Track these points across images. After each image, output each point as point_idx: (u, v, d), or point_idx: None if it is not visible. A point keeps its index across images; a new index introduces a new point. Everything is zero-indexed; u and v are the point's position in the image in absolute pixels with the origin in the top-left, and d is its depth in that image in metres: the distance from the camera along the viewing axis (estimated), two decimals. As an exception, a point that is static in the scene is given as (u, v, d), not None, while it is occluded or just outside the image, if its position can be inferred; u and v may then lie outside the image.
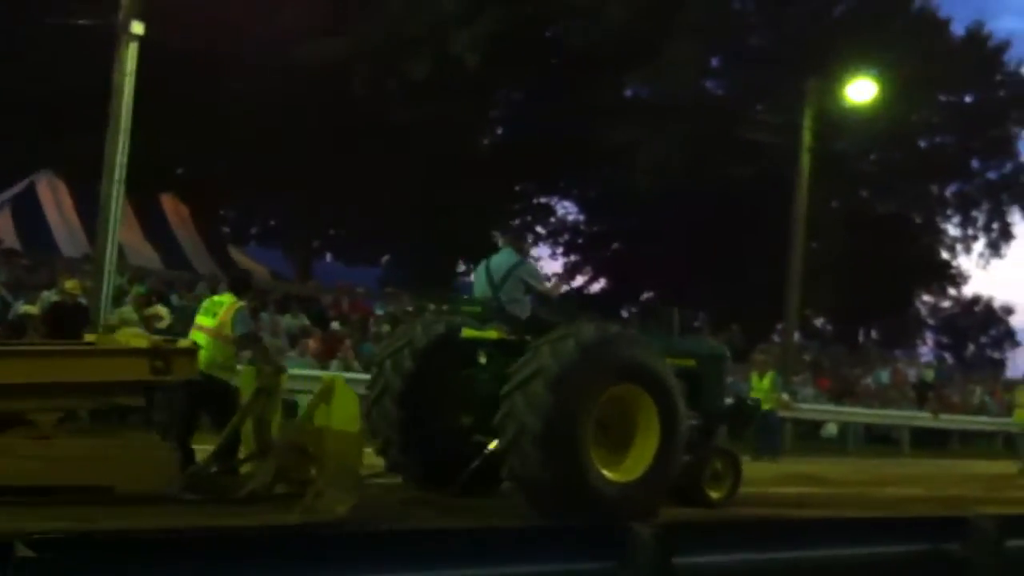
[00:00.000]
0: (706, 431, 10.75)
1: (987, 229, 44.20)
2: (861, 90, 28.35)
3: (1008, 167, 43.35)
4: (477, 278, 10.40)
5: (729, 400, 12.00)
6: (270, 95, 28.00)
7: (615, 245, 41.60)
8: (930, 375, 34.61)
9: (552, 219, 41.57)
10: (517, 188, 38.51)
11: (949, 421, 27.43)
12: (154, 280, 21.79)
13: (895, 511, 11.99)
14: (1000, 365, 55.11)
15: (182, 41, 23.07)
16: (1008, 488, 16.96)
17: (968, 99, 42.46)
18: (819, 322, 44.75)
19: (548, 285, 10.42)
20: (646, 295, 41.50)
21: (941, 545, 6.35)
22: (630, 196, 33.81)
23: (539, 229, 41.54)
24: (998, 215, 44.07)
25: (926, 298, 49.33)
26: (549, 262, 42.53)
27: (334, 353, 19.38)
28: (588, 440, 9.09)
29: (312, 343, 19.58)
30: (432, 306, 27.63)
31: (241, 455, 9.04)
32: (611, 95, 32.78)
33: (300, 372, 15.35)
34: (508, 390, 9.08)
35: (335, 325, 22.20)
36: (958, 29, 40.60)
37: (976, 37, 41.21)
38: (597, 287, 42.15)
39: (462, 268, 40.14)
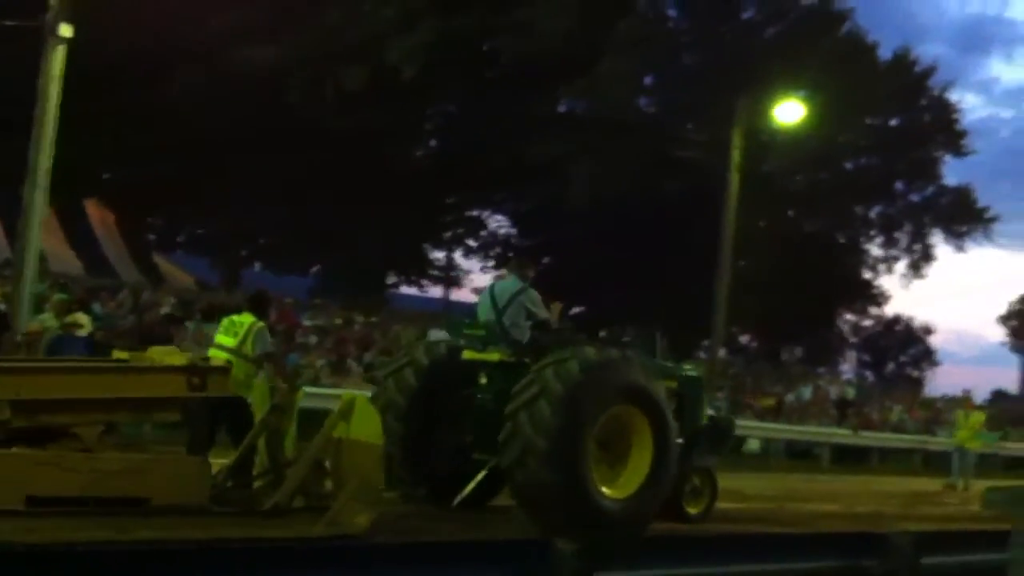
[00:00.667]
0: (686, 449, 11.02)
1: (909, 250, 45.16)
2: (789, 111, 28.85)
3: (930, 190, 44.36)
4: (482, 302, 10.76)
5: (706, 419, 12.40)
6: (202, 101, 27.64)
7: (546, 259, 41.70)
8: (851, 392, 35.19)
9: (484, 232, 41.55)
10: (449, 200, 38.44)
11: (868, 438, 27.93)
12: (76, 287, 21.36)
13: (814, 527, 12.14)
14: (919, 384, 56.33)
15: (111, 45, 22.68)
16: (925, 505, 17.29)
17: (893, 122, 43.40)
18: (744, 339, 45.33)
19: (548, 312, 10.75)
20: (576, 309, 41.67)
21: (859, 561, 6.46)
22: (562, 211, 33.95)
23: (470, 242, 41.49)
24: (920, 237, 45.04)
25: (848, 317, 50.24)
26: (479, 275, 42.53)
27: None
28: (589, 458, 9.52)
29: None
30: (361, 317, 27.52)
31: (255, 471, 9.25)
32: (546, 109, 32.95)
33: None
34: (514, 409, 9.45)
35: (261, 335, 21.90)
36: (885, 53, 41.52)
37: (902, 62, 42.15)
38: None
39: (393, 279, 39.98)
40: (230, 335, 10.08)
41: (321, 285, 36.65)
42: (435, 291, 42.64)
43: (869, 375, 55.84)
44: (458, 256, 42.19)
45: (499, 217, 41.30)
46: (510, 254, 42.28)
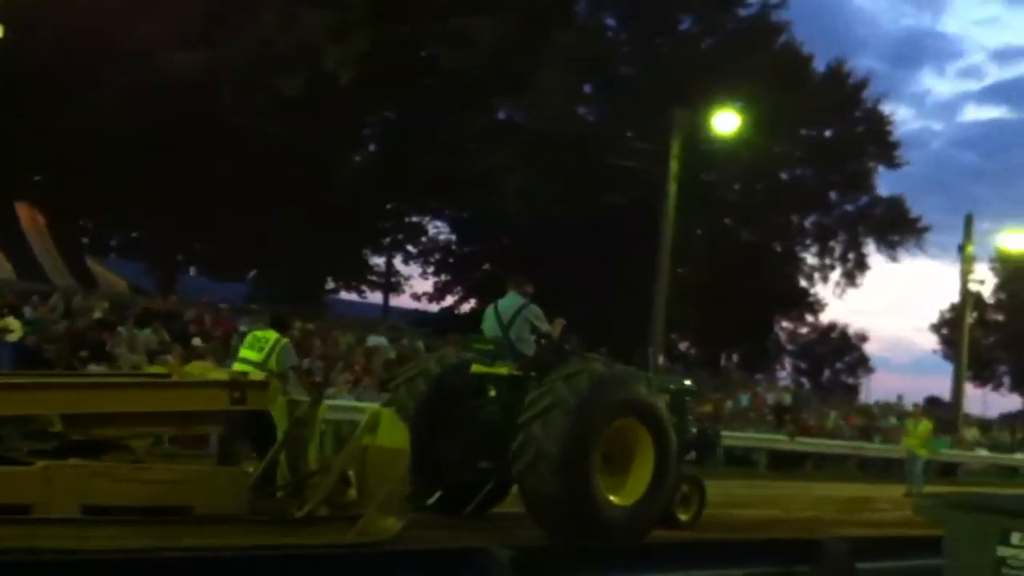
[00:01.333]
0: (677, 458, 11.36)
1: (843, 259, 45.87)
2: (726, 122, 29.14)
3: (864, 200, 45.11)
4: (487, 318, 11.17)
5: (694, 429, 12.93)
6: (136, 105, 27.21)
7: (486, 266, 41.71)
8: (788, 399, 35.58)
9: (423, 239, 41.44)
10: (388, 206, 38.28)
11: (805, 444, 28.24)
12: (6, 292, 20.89)
13: (752, 533, 12.24)
14: (854, 390, 57.20)
15: (42, 47, 22.26)
16: (861, 510, 17.50)
17: (828, 134, 44.08)
18: (684, 346, 45.69)
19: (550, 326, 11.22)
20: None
21: (794, 567, 6.47)
22: (502, 218, 33.96)
23: (410, 248, 41.36)
24: (854, 246, 45.78)
25: (785, 324, 50.85)
26: (419, 281, 42.39)
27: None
28: (596, 467, 10.00)
29: (172, 359, 19.01)
30: (299, 323, 27.27)
31: (278, 481, 9.51)
32: (484, 119, 32.94)
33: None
34: (527, 419, 9.87)
35: (196, 341, 21.61)
36: (820, 66, 42.17)
37: (837, 74, 42.83)
38: (467, 307, 42.13)
39: (331, 285, 39.66)
40: (255, 350, 10.57)
41: (258, 291, 36.25)
42: (375, 297, 42.45)
43: (806, 382, 56.58)
44: (398, 262, 42.04)
45: (439, 223, 41.26)
46: (450, 260, 42.38)
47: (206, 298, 29.31)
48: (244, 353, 10.65)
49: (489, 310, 11.23)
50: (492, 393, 10.74)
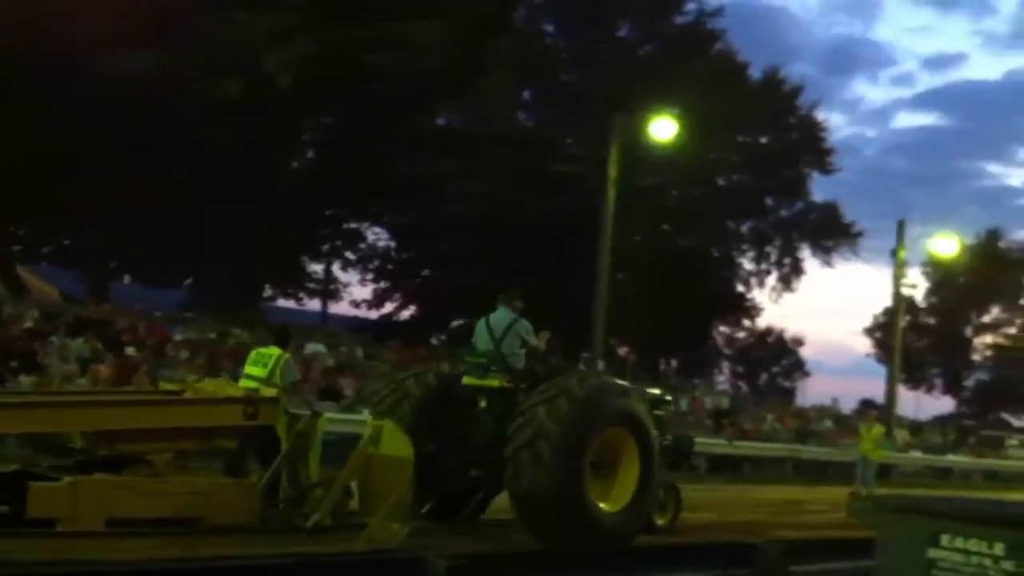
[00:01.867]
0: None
1: (779, 264, 46.49)
2: (664, 128, 29.34)
3: (799, 206, 45.74)
4: (479, 332, 11.61)
5: (669, 437, 13.19)
6: (69, 107, 26.69)
7: (425, 272, 41.58)
8: (726, 403, 35.92)
9: (363, 245, 41.18)
10: (327, 213, 37.98)
11: (743, 447, 28.50)
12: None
13: (690, 536, 12.31)
14: (790, 394, 57.92)
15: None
16: (797, 513, 17.68)
17: (764, 140, 44.63)
18: (623, 351, 45.91)
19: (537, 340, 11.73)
20: (455, 323, 41.56)
21: (730, 571, 6.51)
22: (442, 224, 33.88)
23: (349, 255, 41.08)
24: (790, 251, 46.41)
25: (723, 329, 51.34)
26: (358, 288, 42.12)
27: (128, 379, 18.52)
28: (587, 474, 10.38)
29: (104, 368, 18.69)
30: (236, 331, 26.94)
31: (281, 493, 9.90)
32: (425, 124, 32.88)
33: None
34: (521, 424, 10.25)
35: (130, 350, 21.27)
36: (756, 73, 42.68)
37: (772, 81, 43.40)
38: (407, 314, 41.97)
39: (269, 293, 39.25)
40: (259, 366, 10.97)
41: (194, 298, 35.75)
42: (314, 304, 42.08)
43: (743, 386, 57.18)
44: (336, 268, 41.73)
45: (378, 229, 41.02)
46: (389, 267, 42.17)
47: (140, 306, 28.87)
48: (249, 370, 11.04)
49: (481, 324, 11.64)
50: (483, 404, 11.13)
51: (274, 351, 11.12)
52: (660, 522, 12.37)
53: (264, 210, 31.34)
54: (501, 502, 11.17)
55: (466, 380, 11.27)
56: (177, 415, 9.10)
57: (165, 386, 10.80)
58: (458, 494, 11.36)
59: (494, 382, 11.11)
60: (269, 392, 10.33)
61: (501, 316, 11.61)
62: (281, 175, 32.23)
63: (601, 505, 10.55)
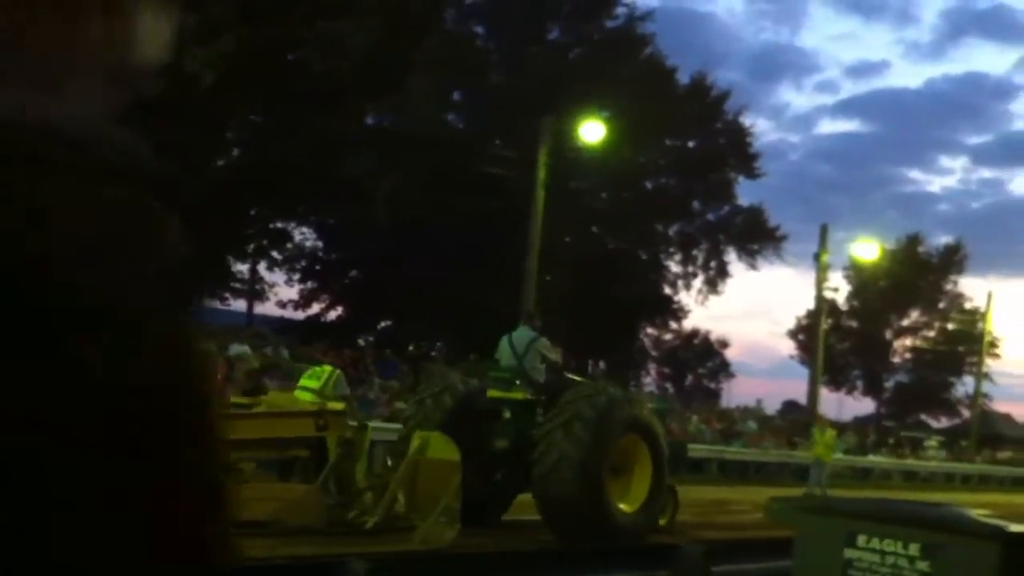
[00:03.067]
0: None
1: (706, 267, 46.98)
2: (593, 131, 29.52)
3: (725, 210, 46.30)
4: (502, 349, 12.83)
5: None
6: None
7: (353, 273, 41.30)
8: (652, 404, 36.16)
9: (289, 245, 40.73)
10: (253, 212, 37.52)
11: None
12: None
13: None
14: (716, 395, 58.65)
15: None
16: (720, 514, 17.87)
17: (691, 144, 45.10)
18: (551, 353, 46.06)
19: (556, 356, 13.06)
20: (383, 324, 41.41)
21: (653, 572, 6.55)
22: (369, 225, 33.66)
23: (275, 255, 40.61)
24: (716, 254, 46.93)
25: (650, 331, 51.74)
26: (285, 289, 41.67)
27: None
28: (608, 482, 11.34)
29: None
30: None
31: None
32: (352, 124, 32.64)
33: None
34: (550, 428, 11.21)
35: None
36: (684, 78, 43.12)
37: (699, 86, 43.87)
38: (334, 315, 41.65)
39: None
40: (314, 379, 12.56)
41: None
42: (239, 304, 41.53)
43: (670, 387, 57.70)
44: (262, 268, 41.21)
45: (305, 230, 40.61)
46: (317, 267, 41.82)
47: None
48: (304, 382, 12.59)
49: (504, 341, 12.88)
50: (507, 415, 12.18)
51: (327, 368, 13.06)
52: (661, 522, 13.15)
53: (187, 209, 30.83)
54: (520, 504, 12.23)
55: (490, 393, 12.35)
56: (261, 427, 10.12)
57: (235, 399, 11.85)
58: (480, 499, 12.04)
59: (518, 395, 12.19)
60: (327, 403, 11.57)
61: (522, 334, 12.84)
62: (205, 173, 31.72)
63: (620, 506, 11.60)
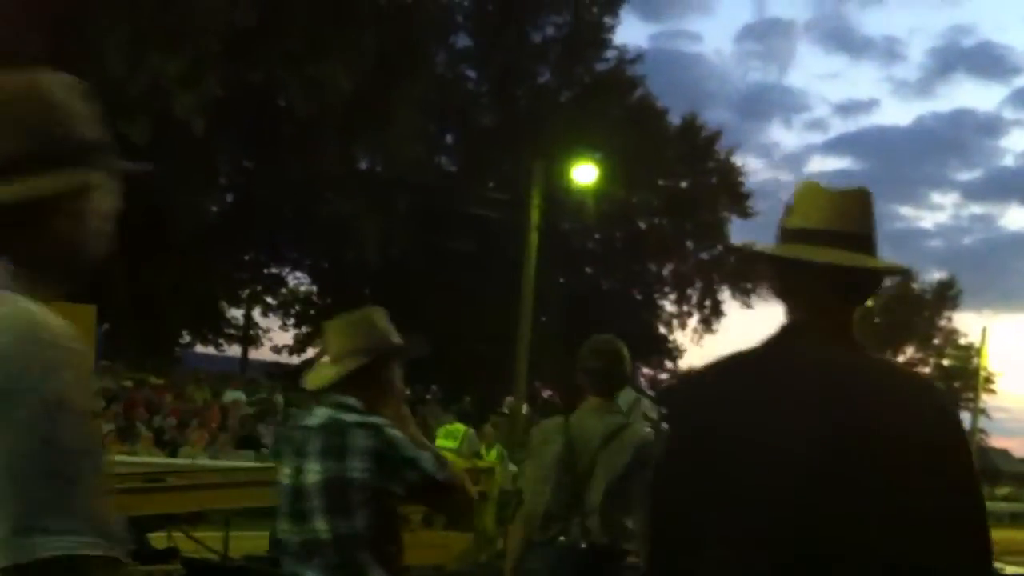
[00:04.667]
0: None
1: (700, 306, 46.97)
2: (585, 172, 29.61)
3: (719, 249, 46.36)
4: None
5: None
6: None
7: (347, 317, 41.20)
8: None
9: (283, 290, 40.71)
10: (246, 257, 37.52)
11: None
12: None
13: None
14: (713, 435, 58.33)
15: None
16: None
17: (683, 184, 45.28)
18: (547, 393, 45.89)
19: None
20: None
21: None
22: (360, 268, 33.65)
23: (269, 300, 40.58)
24: (710, 293, 46.94)
25: (646, 371, 51.59)
26: (280, 334, 41.58)
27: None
28: None
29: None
30: (152, 379, 26.35)
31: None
32: (340, 166, 32.69)
33: None
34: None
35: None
36: (675, 119, 43.39)
37: (690, 127, 44.14)
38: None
39: (187, 339, 38.53)
40: (450, 439, 13.91)
41: (109, 346, 34.93)
42: (234, 350, 41.41)
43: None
44: (256, 314, 41.14)
45: (299, 274, 40.61)
46: (311, 312, 41.71)
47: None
48: (441, 442, 13.66)
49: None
50: None
51: (460, 427, 14.63)
52: None
53: (180, 255, 30.82)
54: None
55: None
56: None
57: None
58: None
59: None
60: (476, 463, 12.57)
61: (627, 395, 13.20)
62: (197, 218, 31.71)
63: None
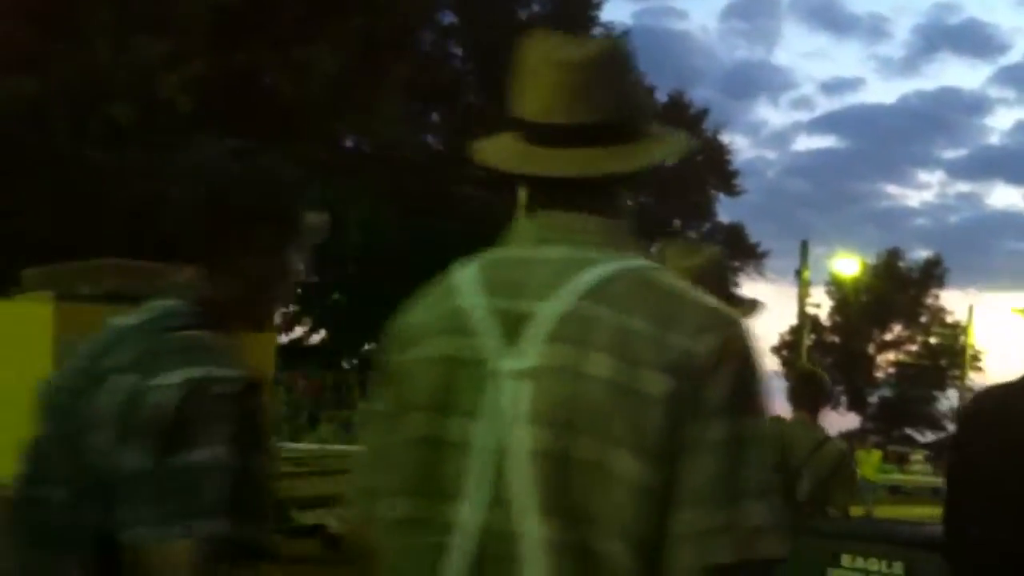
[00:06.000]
0: None
1: (687, 285, 47.05)
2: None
3: (706, 227, 46.47)
4: None
5: None
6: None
7: (335, 296, 41.20)
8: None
9: (270, 271, 40.58)
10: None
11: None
12: None
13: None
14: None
15: None
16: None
17: (670, 163, 45.28)
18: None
19: None
20: (368, 347, 41.26)
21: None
22: (347, 248, 33.57)
23: (256, 281, 40.46)
24: (697, 272, 47.02)
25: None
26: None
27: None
28: None
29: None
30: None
31: None
32: (326, 147, 32.54)
33: None
34: None
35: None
36: (661, 97, 43.30)
37: (677, 105, 44.11)
38: (317, 338, 41.50)
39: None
40: None
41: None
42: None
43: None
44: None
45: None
46: (298, 291, 41.63)
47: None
48: None
49: None
50: None
51: None
52: None
53: (166, 237, 30.64)
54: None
55: None
56: None
57: None
58: None
59: None
60: None
61: None
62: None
63: None
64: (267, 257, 1.97)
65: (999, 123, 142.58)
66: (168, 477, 1.59)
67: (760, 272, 47.02)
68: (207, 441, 1.60)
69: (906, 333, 63.46)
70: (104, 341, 1.83)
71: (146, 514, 1.59)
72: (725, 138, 46.47)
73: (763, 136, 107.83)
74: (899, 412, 62.34)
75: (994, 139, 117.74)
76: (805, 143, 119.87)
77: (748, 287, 45.65)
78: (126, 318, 1.89)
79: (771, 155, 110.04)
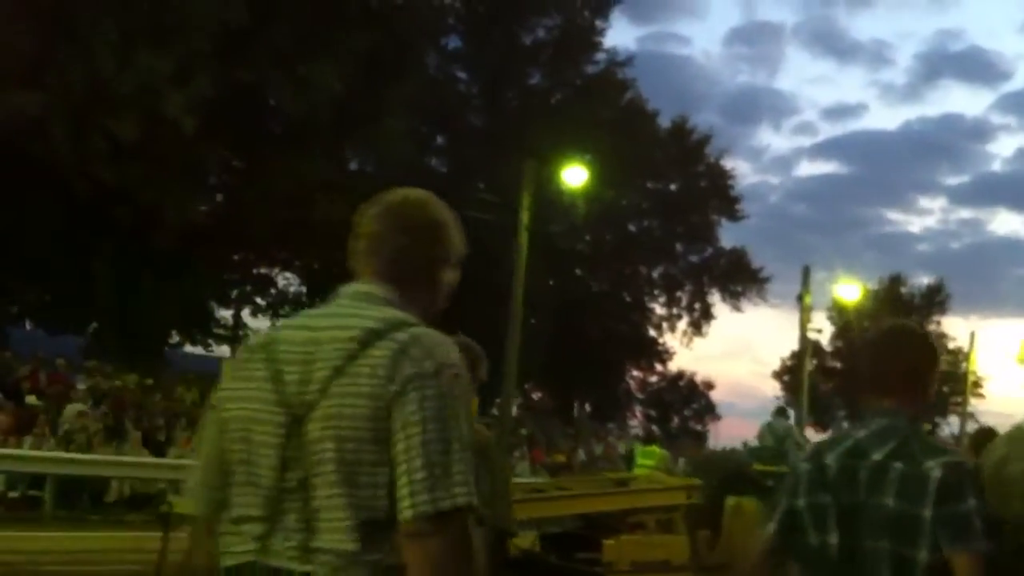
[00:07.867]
0: None
1: (690, 309, 47.06)
2: (574, 174, 29.65)
3: (709, 251, 46.49)
4: (764, 435, 17.86)
5: None
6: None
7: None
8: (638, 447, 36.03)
9: (273, 291, 40.64)
10: (236, 257, 37.43)
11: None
12: None
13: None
14: (702, 436, 58.42)
15: None
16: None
17: (673, 187, 45.36)
18: (537, 396, 45.95)
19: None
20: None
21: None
22: (349, 269, 33.63)
23: (259, 301, 40.51)
24: (700, 296, 47.04)
25: (635, 373, 51.70)
26: (269, 334, 41.43)
27: (29, 429, 18.05)
28: None
29: (3, 417, 18.13)
30: (136, 378, 26.27)
31: None
32: (331, 167, 32.69)
33: None
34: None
35: (31, 399, 20.65)
36: (665, 121, 43.46)
37: (680, 129, 44.24)
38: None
39: (175, 339, 38.46)
40: (649, 458, 17.37)
41: (97, 345, 34.81)
42: (222, 350, 41.28)
43: (656, 429, 57.48)
44: (246, 315, 41.06)
45: (288, 275, 40.53)
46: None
47: (42, 353, 28.03)
48: (642, 461, 17.07)
49: (765, 428, 17.88)
50: (771, 484, 14.19)
51: (656, 449, 18.65)
52: None
53: (169, 255, 30.75)
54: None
55: (756, 466, 15.27)
56: (648, 498, 12.86)
57: (609, 475, 15.99)
58: None
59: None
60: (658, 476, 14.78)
61: (780, 423, 17.74)
62: (188, 219, 31.66)
63: None
64: None
65: (1001, 150, 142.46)
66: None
67: (762, 297, 47.09)
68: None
69: (908, 359, 63.37)
70: None
71: None
72: (728, 163, 46.59)
73: (765, 161, 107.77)
74: (901, 438, 62.17)
75: (996, 166, 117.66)
76: (808, 168, 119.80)
77: (750, 312, 45.70)
78: None
79: (774, 180, 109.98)
